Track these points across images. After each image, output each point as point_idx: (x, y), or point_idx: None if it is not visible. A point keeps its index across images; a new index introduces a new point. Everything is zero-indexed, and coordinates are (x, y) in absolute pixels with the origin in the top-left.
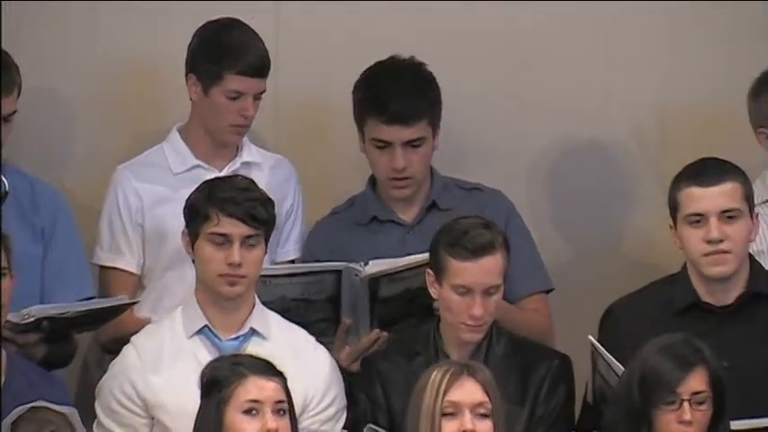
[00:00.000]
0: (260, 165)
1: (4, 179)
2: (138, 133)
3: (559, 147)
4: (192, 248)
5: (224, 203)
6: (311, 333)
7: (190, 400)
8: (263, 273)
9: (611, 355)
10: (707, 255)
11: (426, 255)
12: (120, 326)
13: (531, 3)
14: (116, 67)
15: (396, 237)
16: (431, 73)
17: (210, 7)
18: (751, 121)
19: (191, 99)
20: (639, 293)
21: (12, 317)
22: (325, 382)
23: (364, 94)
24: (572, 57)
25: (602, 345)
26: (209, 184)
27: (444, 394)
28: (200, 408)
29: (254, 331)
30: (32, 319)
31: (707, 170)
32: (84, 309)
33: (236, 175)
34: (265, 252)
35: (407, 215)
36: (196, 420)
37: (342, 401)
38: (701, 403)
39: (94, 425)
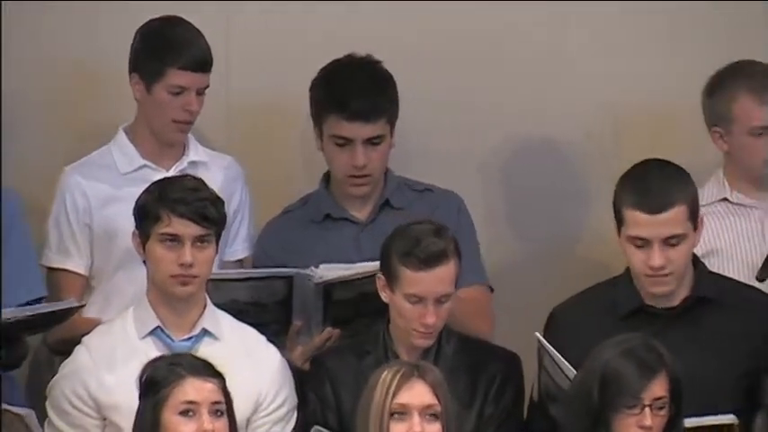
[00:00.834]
0: (207, 164)
1: None
2: (84, 133)
3: (512, 146)
4: (143, 249)
5: (174, 204)
6: (264, 334)
7: None
8: (215, 277)
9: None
10: (648, 276)
11: (378, 263)
12: (68, 327)
13: (483, 3)
14: (60, 67)
15: (349, 235)
16: (388, 71)
17: (161, 8)
18: (705, 120)
19: (135, 99)
20: (582, 296)
21: None
22: (277, 381)
23: (324, 91)
24: (524, 56)
25: (549, 345)
26: (159, 185)
27: (393, 396)
28: (138, 408)
29: (206, 331)
30: None
31: (652, 194)
32: (32, 314)
33: (186, 175)
34: (216, 252)
35: (361, 213)
36: (135, 420)
37: (293, 401)
38: (661, 408)
39: (45, 424)
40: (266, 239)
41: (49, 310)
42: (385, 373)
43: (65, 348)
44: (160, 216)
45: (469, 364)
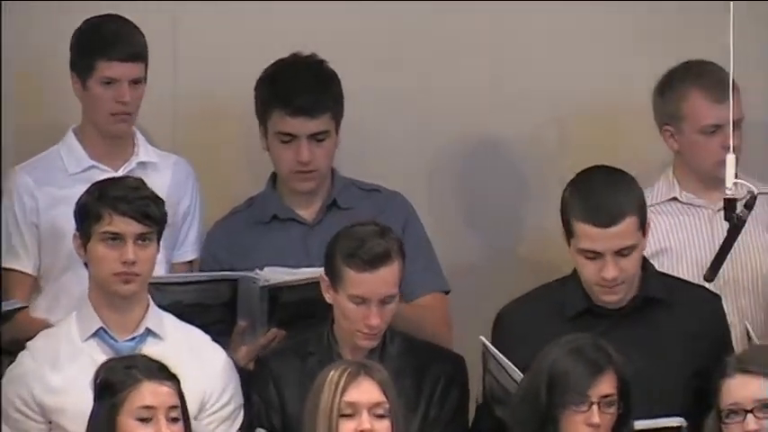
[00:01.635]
0: (156, 165)
1: None
2: (29, 134)
3: (459, 147)
4: (84, 251)
5: (116, 202)
6: (208, 334)
7: (88, 403)
8: (158, 281)
9: (505, 358)
10: (599, 285)
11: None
12: (18, 327)
13: (432, 3)
14: (5, 66)
15: (297, 235)
16: (332, 69)
17: (108, 9)
18: (656, 119)
19: (77, 96)
20: (530, 296)
21: None
22: (222, 380)
23: (268, 88)
24: (471, 56)
25: (495, 348)
26: (99, 185)
27: (342, 394)
28: (92, 410)
29: (149, 331)
30: None
31: (602, 207)
32: None
33: (126, 176)
34: (158, 250)
35: (308, 213)
36: (88, 422)
37: (238, 400)
38: (609, 406)
39: None
40: (213, 241)
41: None
42: (332, 372)
43: (16, 349)
44: (101, 215)
45: (414, 365)
